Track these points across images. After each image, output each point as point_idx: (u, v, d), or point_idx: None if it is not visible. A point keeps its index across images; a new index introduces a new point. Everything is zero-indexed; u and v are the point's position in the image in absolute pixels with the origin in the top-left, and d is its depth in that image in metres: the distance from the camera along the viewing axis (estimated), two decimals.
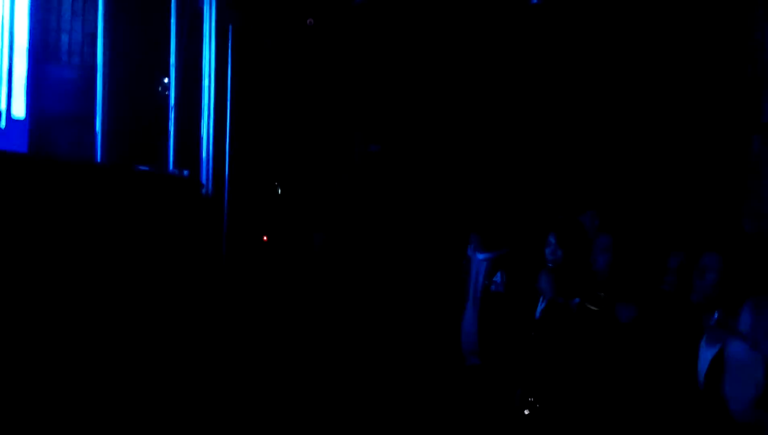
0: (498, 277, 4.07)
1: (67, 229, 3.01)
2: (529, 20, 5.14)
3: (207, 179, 4.37)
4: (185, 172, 4.08)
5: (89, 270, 3.12)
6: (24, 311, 2.78)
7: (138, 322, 3.29)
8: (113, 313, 3.16)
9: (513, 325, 3.75)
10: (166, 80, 4.47)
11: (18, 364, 2.70)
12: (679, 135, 4.85)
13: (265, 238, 4.51)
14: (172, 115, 4.29)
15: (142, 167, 3.89)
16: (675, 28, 4.87)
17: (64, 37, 4.26)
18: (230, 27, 4.62)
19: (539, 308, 3.53)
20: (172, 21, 4.35)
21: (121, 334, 3.18)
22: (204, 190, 4.27)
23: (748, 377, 2.37)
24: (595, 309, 3.04)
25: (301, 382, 3.91)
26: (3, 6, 3.79)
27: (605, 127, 5.14)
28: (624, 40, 5.04)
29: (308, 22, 4.32)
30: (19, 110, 3.85)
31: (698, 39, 4.77)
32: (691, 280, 2.72)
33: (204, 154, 4.39)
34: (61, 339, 2.89)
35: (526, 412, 3.21)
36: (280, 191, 5.23)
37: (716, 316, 2.63)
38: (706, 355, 2.73)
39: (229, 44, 4.54)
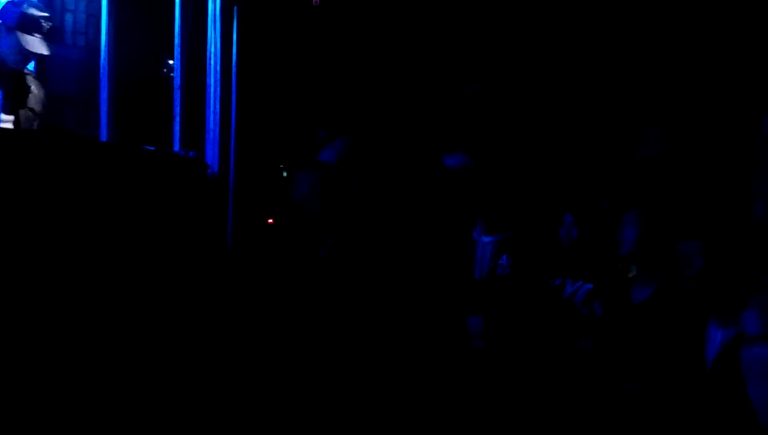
0: (504, 260, 4.07)
1: (72, 207, 3.00)
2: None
3: (213, 160, 4.36)
4: (191, 153, 4.07)
5: (93, 249, 3.11)
6: (25, 291, 2.78)
7: (143, 305, 3.28)
8: (117, 294, 3.15)
9: (519, 308, 3.75)
10: (171, 62, 4.46)
11: (16, 343, 2.70)
12: (688, 116, 4.82)
13: (270, 220, 4.50)
14: (177, 97, 4.28)
15: (148, 147, 3.89)
16: (686, 7, 4.83)
17: (69, 18, 4.25)
18: (235, 8, 4.59)
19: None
20: (177, 2, 4.33)
21: (127, 316, 3.17)
22: (210, 171, 4.26)
23: None
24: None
25: (305, 370, 3.89)
26: None
27: (613, 109, 5.12)
28: (631, 20, 5.00)
29: (314, 2, 4.30)
30: None
31: (708, 17, 4.73)
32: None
33: (209, 136, 4.38)
34: (63, 317, 2.89)
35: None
36: (285, 174, 5.21)
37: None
38: (716, 337, 2.72)
39: (235, 25, 4.52)
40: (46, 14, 3.42)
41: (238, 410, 3.32)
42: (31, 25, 3.35)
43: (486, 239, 4.20)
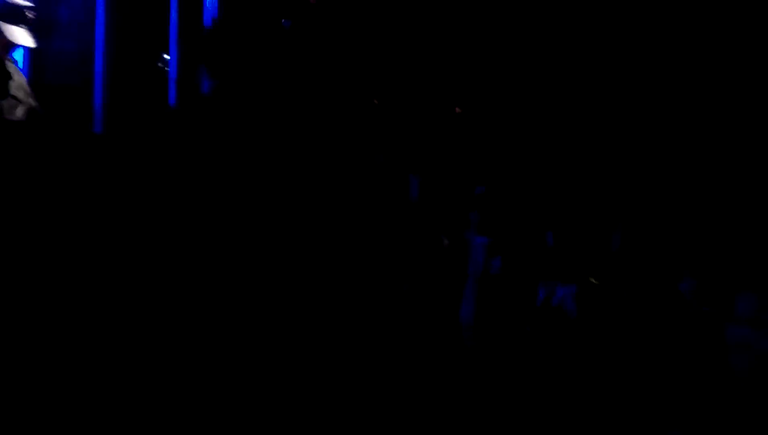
0: (497, 261, 4.07)
1: (67, 197, 3.00)
2: None
3: None
4: None
5: (87, 241, 3.10)
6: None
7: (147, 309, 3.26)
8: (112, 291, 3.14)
9: (512, 309, 3.75)
10: (166, 56, 4.45)
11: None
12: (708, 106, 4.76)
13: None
14: (172, 90, 4.28)
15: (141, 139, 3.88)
16: None
17: (64, 10, 4.24)
18: None
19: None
20: None
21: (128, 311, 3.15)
22: None
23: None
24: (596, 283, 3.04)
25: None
26: None
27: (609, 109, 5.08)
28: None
29: (311, 0, 4.29)
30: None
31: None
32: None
33: None
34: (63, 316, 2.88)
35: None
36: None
37: None
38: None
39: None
40: (30, 4, 3.41)
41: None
42: (14, 15, 3.35)
43: (479, 240, 4.20)
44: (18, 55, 3.57)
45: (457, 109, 4.80)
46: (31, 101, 3.50)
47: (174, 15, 4.30)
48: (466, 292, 4.16)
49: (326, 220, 3.51)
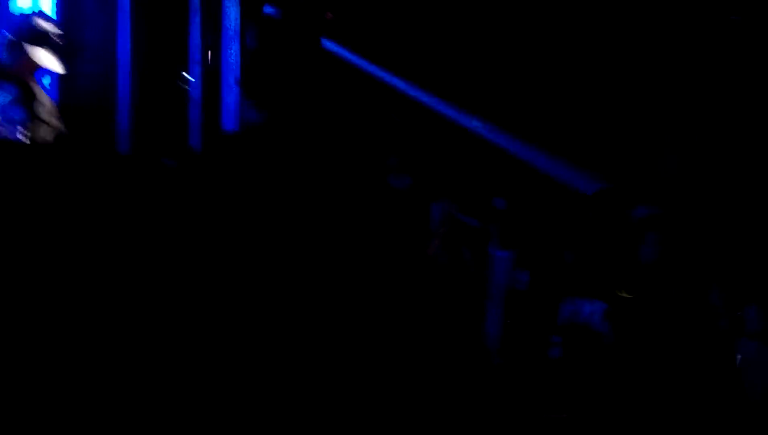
0: (522, 276, 4.05)
1: (93, 218, 3.02)
2: None
3: None
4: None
5: (111, 261, 3.11)
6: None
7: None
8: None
9: (537, 325, 3.73)
10: (187, 75, 4.50)
11: None
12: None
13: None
14: (195, 110, 4.32)
15: (167, 161, 3.92)
16: None
17: (89, 33, 4.30)
18: (253, 24, 4.64)
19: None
20: (194, 18, 4.38)
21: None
22: None
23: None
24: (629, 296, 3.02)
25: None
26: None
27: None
28: None
29: (327, 15, 4.33)
30: None
31: None
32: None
33: None
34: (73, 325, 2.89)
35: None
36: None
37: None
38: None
39: (253, 39, 4.56)
40: (57, 30, 3.46)
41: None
42: (42, 40, 3.39)
43: (502, 254, 4.19)
44: (45, 78, 3.62)
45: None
46: (58, 123, 3.54)
47: (195, 35, 4.35)
48: (489, 308, 4.14)
49: (352, 235, 3.52)
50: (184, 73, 4.52)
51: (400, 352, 3.66)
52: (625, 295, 3.25)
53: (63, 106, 3.71)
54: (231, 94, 4.31)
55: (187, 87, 4.50)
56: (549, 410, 3.27)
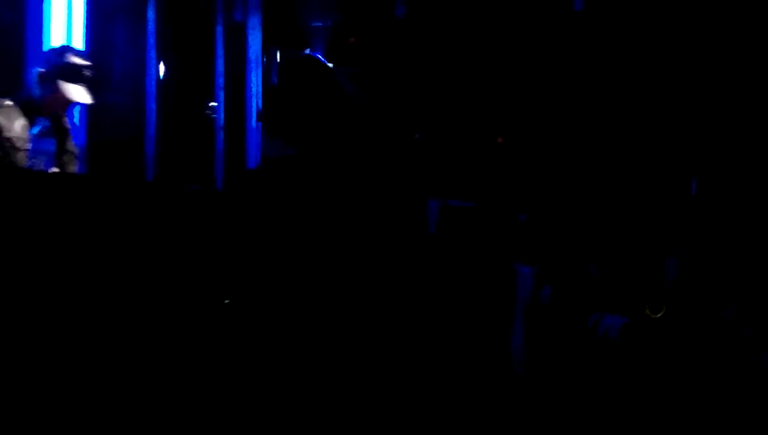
0: (545, 290, 4.06)
1: (123, 244, 3.09)
2: None
3: None
4: None
5: (140, 284, 3.19)
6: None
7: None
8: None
9: (562, 339, 3.74)
10: (212, 103, 4.60)
11: None
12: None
13: None
14: (220, 137, 4.41)
15: (194, 187, 4.00)
16: None
17: (117, 65, 4.42)
18: (276, 50, 4.74)
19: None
20: (218, 46, 4.48)
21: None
22: None
23: None
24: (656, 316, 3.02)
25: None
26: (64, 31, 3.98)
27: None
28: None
29: (350, 41, 4.41)
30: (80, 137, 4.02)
31: None
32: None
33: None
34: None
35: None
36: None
37: None
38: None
39: (274, 66, 4.66)
40: (88, 63, 3.50)
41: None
42: (73, 74, 3.43)
43: (526, 269, 4.20)
44: (75, 109, 3.70)
45: (500, 139, 4.83)
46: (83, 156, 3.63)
47: (219, 64, 4.46)
48: (515, 322, 4.16)
49: (381, 253, 3.57)
50: (209, 101, 4.64)
51: (426, 363, 3.70)
52: (648, 313, 3.25)
53: (92, 136, 3.81)
54: (254, 121, 4.41)
55: (212, 114, 4.61)
56: (569, 417, 3.28)
